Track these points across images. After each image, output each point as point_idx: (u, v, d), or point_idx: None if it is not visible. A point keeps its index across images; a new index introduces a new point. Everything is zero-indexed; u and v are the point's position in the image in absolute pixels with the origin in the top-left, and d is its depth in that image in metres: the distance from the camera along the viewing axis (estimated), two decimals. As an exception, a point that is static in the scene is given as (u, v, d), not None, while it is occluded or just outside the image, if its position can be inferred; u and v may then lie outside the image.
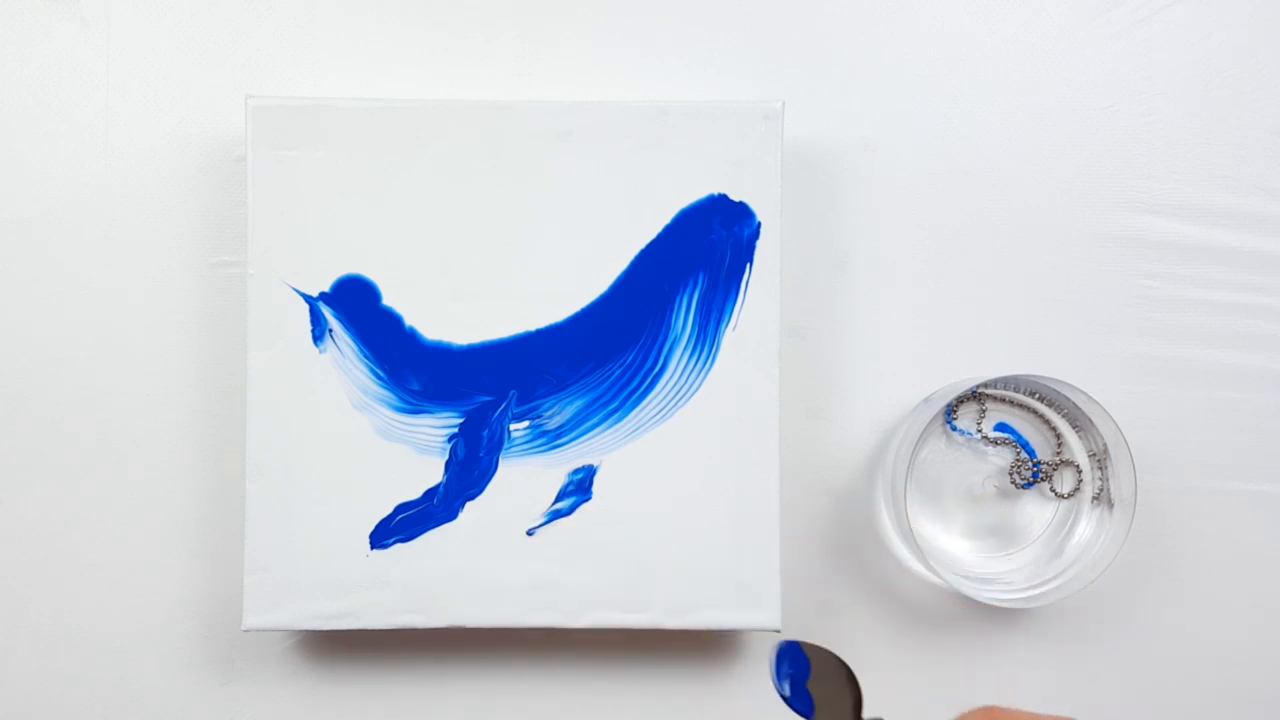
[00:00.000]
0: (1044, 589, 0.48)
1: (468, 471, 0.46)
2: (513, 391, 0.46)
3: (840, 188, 0.50)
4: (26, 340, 0.49)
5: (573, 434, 0.46)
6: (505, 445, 0.46)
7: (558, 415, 0.46)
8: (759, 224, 0.46)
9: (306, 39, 0.49)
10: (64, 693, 0.49)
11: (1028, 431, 0.50)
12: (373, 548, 0.46)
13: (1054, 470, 0.50)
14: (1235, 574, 0.51)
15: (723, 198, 0.46)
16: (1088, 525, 0.49)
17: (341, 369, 0.46)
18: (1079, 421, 0.50)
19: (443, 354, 0.46)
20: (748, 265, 0.46)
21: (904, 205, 0.50)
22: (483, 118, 0.46)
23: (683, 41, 0.50)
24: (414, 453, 0.46)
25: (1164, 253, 0.51)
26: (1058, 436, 0.50)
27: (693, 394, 0.46)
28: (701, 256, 0.46)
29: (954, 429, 0.50)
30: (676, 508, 0.46)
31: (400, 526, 0.46)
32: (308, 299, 0.46)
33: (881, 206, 0.50)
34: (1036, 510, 0.50)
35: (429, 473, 0.46)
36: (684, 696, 0.50)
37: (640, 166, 0.46)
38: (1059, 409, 0.50)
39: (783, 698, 0.35)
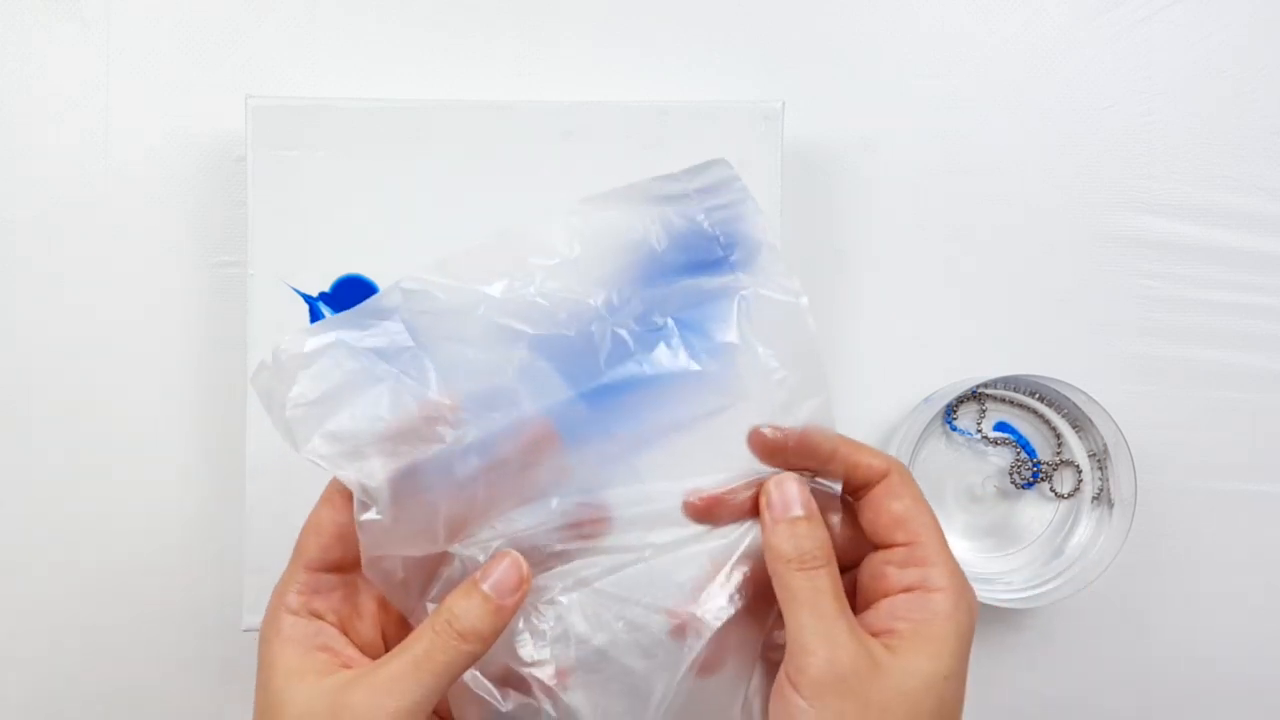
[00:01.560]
0: (1044, 589, 0.48)
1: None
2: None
3: (840, 187, 0.50)
4: (26, 340, 0.49)
5: (573, 434, 0.46)
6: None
7: (558, 415, 0.46)
8: (759, 224, 0.46)
9: (306, 39, 0.49)
10: (64, 693, 0.49)
11: (1028, 431, 0.50)
12: (373, 548, 0.46)
13: (1054, 470, 0.50)
14: (1235, 574, 0.51)
15: (723, 198, 0.46)
16: (1088, 525, 0.49)
17: (341, 369, 0.46)
18: (1079, 421, 0.50)
19: (443, 354, 0.46)
20: (748, 265, 0.46)
21: (904, 205, 0.50)
22: (483, 118, 0.46)
23: (683, 41, 0.50)
24: (414, 453, 0.46)
25: (1164, 253, 0.51)
26: (1058, 436, 0.50)
27: (693, 394, 0.46)
28: (701, 256, 0.46)
29: (954, 429, 0.50)
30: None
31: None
32: (308, 299, 0.46)
33: (881, 206, 0.50)
34: (1036, 510, 0.50)
35: (429, 473, 0.46)
36: (684, 696, 0.50)
37: (640, 166, 0.46)
38: (1059, 409, 0.50)
39: None
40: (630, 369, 0.32)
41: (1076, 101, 0.51)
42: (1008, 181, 0.51)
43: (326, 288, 0.46)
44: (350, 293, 0.46)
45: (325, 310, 0.46)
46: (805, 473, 0.33)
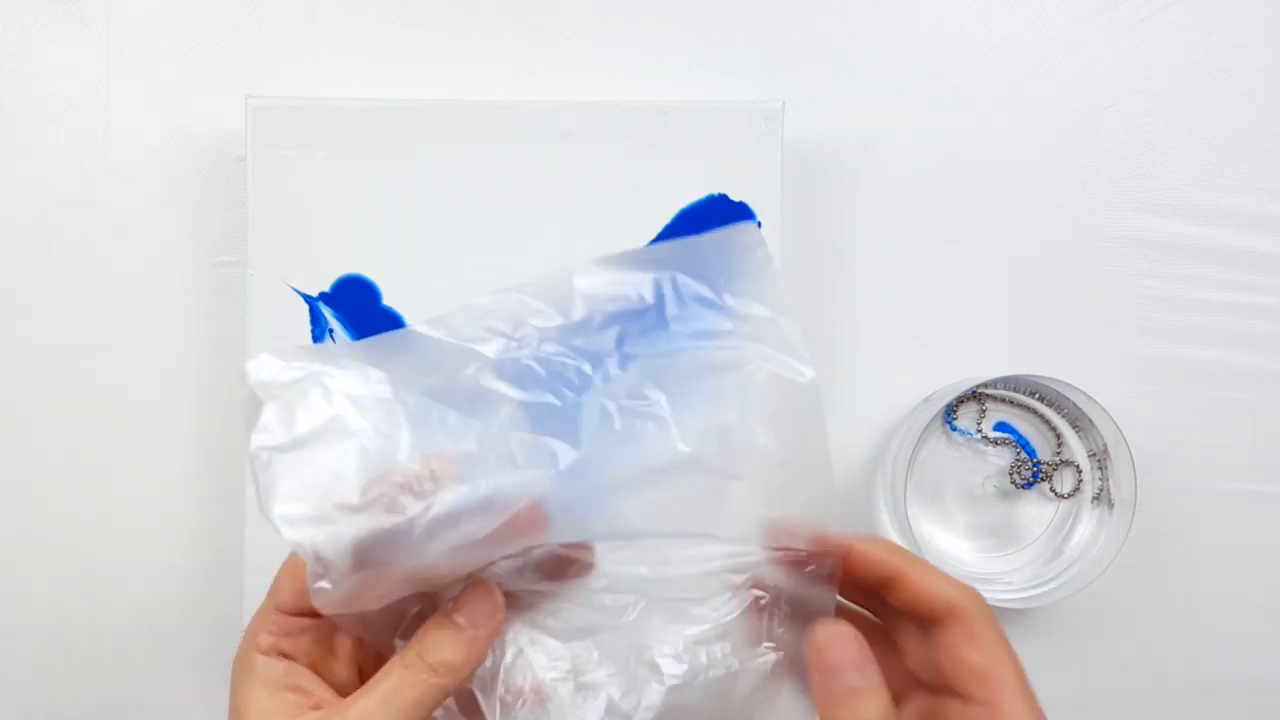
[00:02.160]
0: (1044, 589, 0.48)
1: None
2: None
3: (840, 188, 0.50)
4: (27, 340, 0.49)
5: (573, 434, 0.46)
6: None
7: (558, 415, 0.46)
8: (759, 224, 0.46)
9: (306, 39, 0.49)
10: (64, 692, 0.49)
11: (1028, 431, 0.50)
12: (373, 548, 0.45)
13: (1054, 470, 0.50)
14: (1235, 574, 0.51)
15: (723, 198, 0.46)
16: (1088, 525, 0.49)
17: (341, 369, 0.46)
18: (1079, 421, 0.50)
19: (443, 354, 0.46)
20: (748, 265, 0.46)
21: (903, 205, 0.50)
22: (483, 118, 0.46)
23: (683, 41, 0.50)
24: (414, 453, 0.46)
25: (1164, 253, 0.51)
26: (1058, 436, 0.50)
27: (693, 394, 0.46)
28: (701, 256, 0.46)
29: (954, 429, 0.50)
30: (676, 508, 0.46)
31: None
32: (308, 299, 0.46)
33: (881, 206, 0.50)
34: (1036, 510, 0.50)
35: (429, 473, 0.46)
36: (684, 696, 0.50)
37: (640, 166, 0.46)
38: (1059, 409, 0.50)
39: None
40: (616, 448, 0.30)
41: (1076, 101, 0.51)
42: (1008, 181, 0.51)
43: (326, 288, 0.46)
44: (350, 293, 0.46)
45: (325, 310, 0.46)
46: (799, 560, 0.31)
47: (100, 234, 0.49)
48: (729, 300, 0.31)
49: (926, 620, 0.30)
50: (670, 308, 0.31)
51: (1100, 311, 0.51)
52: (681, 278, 0.31)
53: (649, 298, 0.31)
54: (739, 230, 0.32)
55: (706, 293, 0.31)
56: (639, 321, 0.31)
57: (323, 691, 0.31)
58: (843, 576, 0.31)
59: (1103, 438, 0.49)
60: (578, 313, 0.31)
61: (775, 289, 0.31)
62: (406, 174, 0.46)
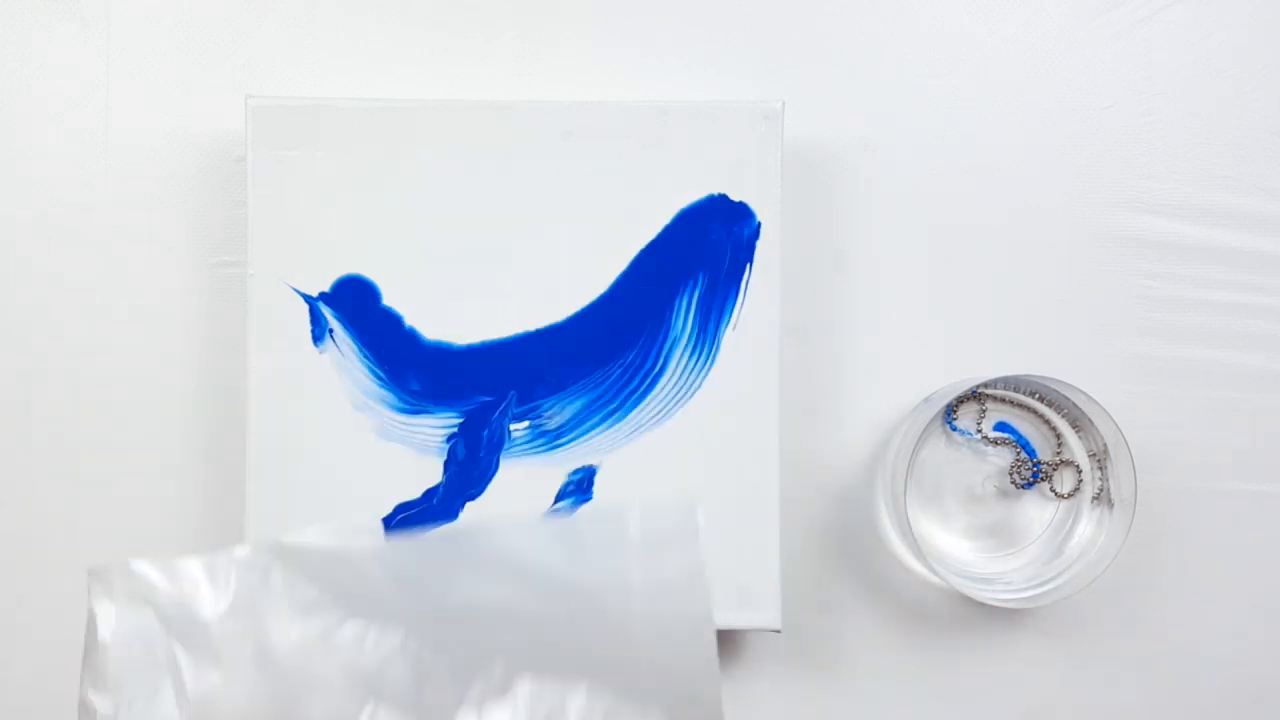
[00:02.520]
0: (1044, 589, 0.48)
1: (468, 472, 0.46)
2: (512, 392, 0.46)
3: (840, 188, 0.50)
4: (26, 340, 0.49)
5: (573, 434, 0.46)
6: (505, 445, 0.46)
7: (557, 415, 0.46)
8: (759, 224, 0.46)
9: (306, 39, 0.49)
10: (64, 692, 0.49)
11: (1028, 431, 0.50)
12: (373, 548, 0.45)
13: (1054, 470, 0.50)
14: (1235, 574, 0.51)
15: (723, 198, 0.46)
16: (1088, 525, 0.49)
17: (341, 369, 0.46)
18: (1079, 421, 0.50)
19: (443, 354, 0.46)
20: (748, 265, 0.46)
21: (904, 205, 0.50)
22: (483, 118, 0.46)
23: (683, 41, 0.50)
24: (414, 453, 0.46)
25: (1164, 253, 0.51)
26: (1058, 436, 0.50)
27: (693, 394, 0.46)
28: (701, 256, 0.46)
29: (954, 429, 0.50)
30: (676, 508, 0.46)
31: (400, 527, 0.46)
32: (308, 299, 0.46)
33: (881, 206, 0.50)
34: (1036, 510, 0.50)
35: (429, 473, 0.46)
36: (684, 696, 0.50)
37: (640, 166, 0.46)
38: (1059, 409, 0.50)
39: None
40: None
41: (1076, 101, 0.51)
42: (1008, 181, 0.51)
43: (326, 288, 0.46)
44: (350, 293, 0.46)
45: (325, 310, 0.46)
46: None
47: (100, 234, 0.49)
48: (645, 658, 0.24)
49: None
50: (563, 621, 0.25)
51: (1100, 311, 0.51)
52: (595, 604, 0.24)
53: (544, 610, 0.25)
54: (669, 517, 0.24)
55: (611, 616, 0.25)
56: (529, 631, 0.25)
57: None
58: None
59: (1103, 438, 0.49)
60: (453, 613, 0.25)
61: (709, 652, 0.24)
62: (406, 174, 0.46)
